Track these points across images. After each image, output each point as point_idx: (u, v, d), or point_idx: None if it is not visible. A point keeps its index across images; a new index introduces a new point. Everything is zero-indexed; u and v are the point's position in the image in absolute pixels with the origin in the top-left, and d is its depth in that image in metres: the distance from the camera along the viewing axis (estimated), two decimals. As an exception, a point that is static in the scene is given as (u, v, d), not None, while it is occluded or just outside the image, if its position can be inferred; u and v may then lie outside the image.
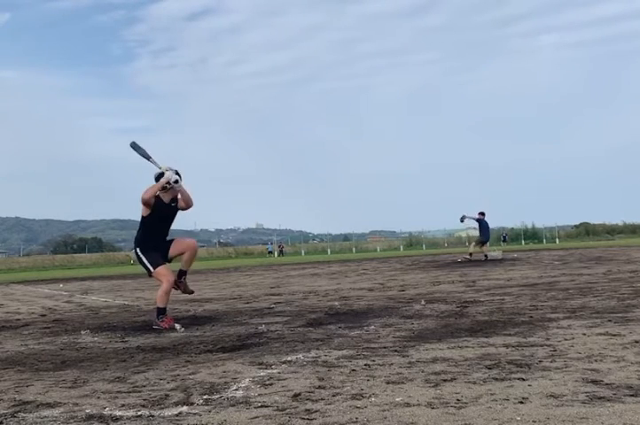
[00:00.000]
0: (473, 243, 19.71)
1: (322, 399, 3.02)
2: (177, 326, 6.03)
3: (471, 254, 18.82)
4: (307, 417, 2.74)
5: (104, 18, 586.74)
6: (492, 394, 2.95)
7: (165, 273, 6.30)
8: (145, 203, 6.19)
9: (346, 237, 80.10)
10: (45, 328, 6.72)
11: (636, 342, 4.09)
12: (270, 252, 53.27)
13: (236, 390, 3.31)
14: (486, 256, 18.89)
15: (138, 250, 6.41)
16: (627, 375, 3.20)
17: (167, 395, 3.27)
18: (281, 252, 53.51)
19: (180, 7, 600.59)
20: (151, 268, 6.31)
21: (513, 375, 3.31)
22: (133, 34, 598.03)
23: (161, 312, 6.23)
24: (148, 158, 6.51)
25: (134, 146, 6.58)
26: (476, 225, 19.89)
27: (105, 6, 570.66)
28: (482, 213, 19.33)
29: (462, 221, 19.88)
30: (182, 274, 6.61)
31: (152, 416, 2.88)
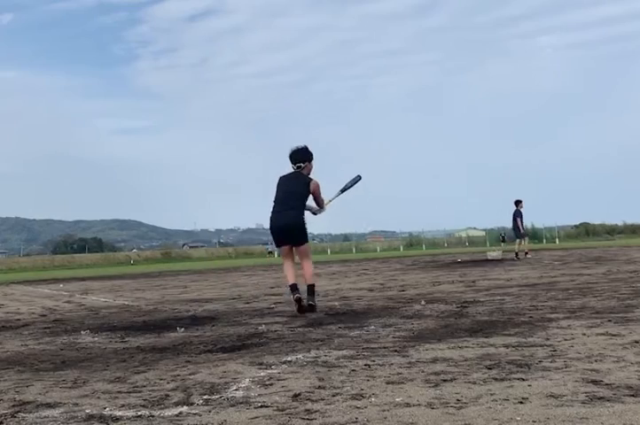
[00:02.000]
0: (518, 241, 18.64)
1: (322, 399, 3.02)
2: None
3: (518, 253, 18.14)
4: (307, 417, 2.74)
5: (105, 19, 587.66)
6: (492, 394, 2.95)
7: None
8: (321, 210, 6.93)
9: (346, 237, 79.96)
10: (45, 328, 6.72)
11: (636, 342, 4.10)
12: (270, 252, 53.22)
13: (236, 390, 3.31)
14: (516, 254, 18.06)
15: (304, 218, 6.72)
16: (627, 376, 3.20)
17: (167, 395, 3.27)
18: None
19: (181, 8, 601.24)
20: (308, 238, 6.74)
21: (513, 375, 3.31)
22: (135, 35, 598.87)
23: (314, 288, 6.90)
24: (341, 191, 7.27)
25: (357, 179, 7.32)
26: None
27: (106, 7, 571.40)
28: (517, 202, 18.17)
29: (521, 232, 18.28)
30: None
31: (152, 416, 2.88)
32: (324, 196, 7.01)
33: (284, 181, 6.87)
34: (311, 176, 6.85)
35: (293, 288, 6.72)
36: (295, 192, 6.72)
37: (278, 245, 6.94)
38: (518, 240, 18.79)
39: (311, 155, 6.84)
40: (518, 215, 18.27)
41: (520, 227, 18.35)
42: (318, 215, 6.99)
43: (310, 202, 6.92)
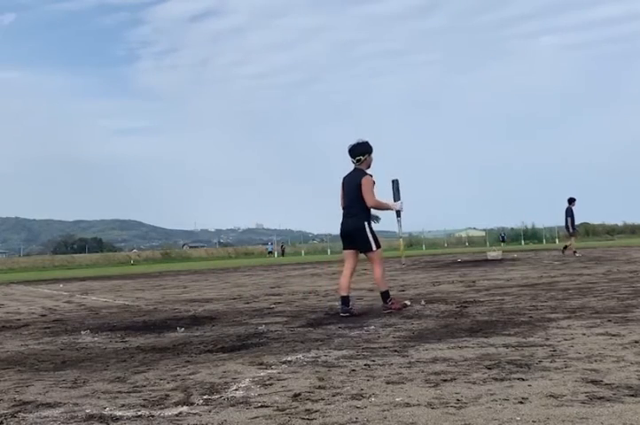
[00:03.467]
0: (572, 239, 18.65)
1: (322, 399, 3.02)
2: (407, 302, 6.60)
3: (575, 251, 18.10)
4: (307, 417, 2.74)
5: (107, 19, 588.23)
6: (492, 394, 2.95)
7: (382, 255, 6.66)
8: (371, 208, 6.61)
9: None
10: (45, 328, 6.73)
11: (636, 342, 4.10)
12: (270, 252, 53.20)
13: (236, 390, 3.32)
14: (574, 251, 18.01)
15: (367, 224, 6.53)
16: (626, 375, 3.20)
17: (167, 395, 3.27)
18: (282, 252, 53.46)
19: (182, 9, 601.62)
20: (374, 246, 6.52)
21: (513, 375, 3.31)
22: (136, 36, 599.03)
23: (387, 294, 6.56)
24: (396, 199, 7.09)
25: (396, 184, 7.12)
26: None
27: (108, 8, 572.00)
28: (570, 200, 18.21)
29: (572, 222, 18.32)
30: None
31: (152, 416, 2.88)
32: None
33: (345, 183, 6.70)
34: (368, 170, 6.64)
35: (343, 301, 6.49)
36: (352, 196, 6.55)
37: (344, 249, 6.83)
38: (572, 237, 18.89)
39: (370, 148, 6.61)
40: (569, 213, 18.43)
41: (572, 225, 18.45)
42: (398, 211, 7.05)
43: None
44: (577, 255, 17.83)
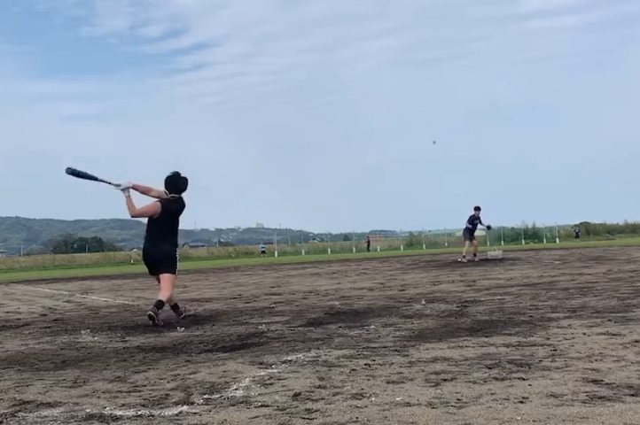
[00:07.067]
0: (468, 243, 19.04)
1: (322, 399, 3.02)
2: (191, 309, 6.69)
3: (475, 254, 18.48)
4: (307, 417, 2.74)
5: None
6: (492, 394, 2.95)
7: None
8: (138, 217, 6.75)
9: (346, 237, 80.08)
10: (45, 327, 6.72)
11: (637, 341, 4.09)
12: (263, 252, 53.22)
13: (236, 389, 3.31)
14: (474, 255, 18.47)
15: (177, 253, 6.75)
16: (627, 375, 3.20)
17: (167, 394, 3.27)
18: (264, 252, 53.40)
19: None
20: (176, 272, 6.76)
21: (513, 375, 3.31)
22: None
23: (177, 306, 6.92)
24: (95, 179, 6.60)
25: (72, 172, 6.57)
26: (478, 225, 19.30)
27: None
28: (477, 208, 18.68)
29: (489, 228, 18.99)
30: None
31: (153, 416, 2.88)
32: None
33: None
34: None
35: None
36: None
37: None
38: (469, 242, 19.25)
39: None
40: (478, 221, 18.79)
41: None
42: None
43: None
44: (468, 259, 18.06)
